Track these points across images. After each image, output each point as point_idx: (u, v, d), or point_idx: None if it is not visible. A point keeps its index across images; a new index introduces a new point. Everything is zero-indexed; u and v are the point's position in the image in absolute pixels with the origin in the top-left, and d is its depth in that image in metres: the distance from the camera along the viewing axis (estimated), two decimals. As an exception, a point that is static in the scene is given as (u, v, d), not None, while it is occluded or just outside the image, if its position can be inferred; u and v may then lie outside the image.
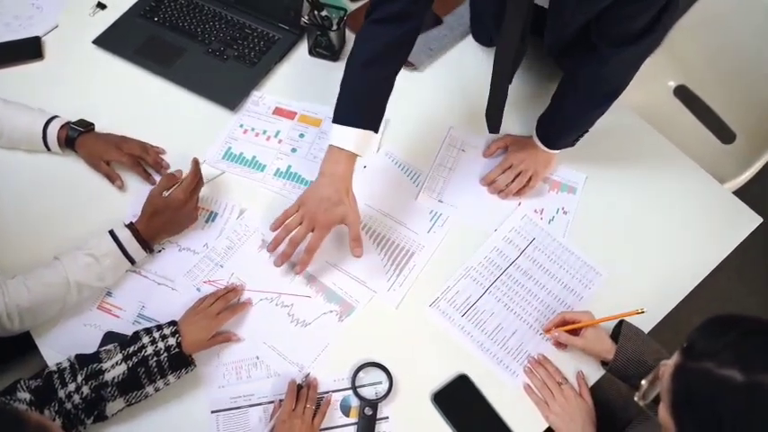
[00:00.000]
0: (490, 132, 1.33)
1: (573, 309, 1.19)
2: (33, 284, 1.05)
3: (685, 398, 0.68)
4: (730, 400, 0.63)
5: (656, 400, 0.75)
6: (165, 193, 1.15)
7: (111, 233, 1.12)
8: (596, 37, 1.10)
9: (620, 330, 1.09)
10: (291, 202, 1.27)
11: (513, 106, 1.40)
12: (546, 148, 1.29)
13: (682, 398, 0.68)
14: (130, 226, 1.14)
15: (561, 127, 1.28)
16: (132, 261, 1.14)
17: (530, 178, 1.30)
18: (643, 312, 1.07)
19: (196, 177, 1.17)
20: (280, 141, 1.36)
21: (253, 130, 1.37)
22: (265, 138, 1.36)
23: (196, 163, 1.17)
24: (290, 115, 1.40)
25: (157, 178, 1.28)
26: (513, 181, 1.30)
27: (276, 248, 1.16)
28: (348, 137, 1.11)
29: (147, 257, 1.17)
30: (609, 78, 1.15)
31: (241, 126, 1.38)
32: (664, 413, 0.70)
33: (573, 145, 1.30)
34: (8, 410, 0.69)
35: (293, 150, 1.35)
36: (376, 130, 1.14)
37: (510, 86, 1.24)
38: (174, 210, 1.15)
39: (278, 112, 1.40)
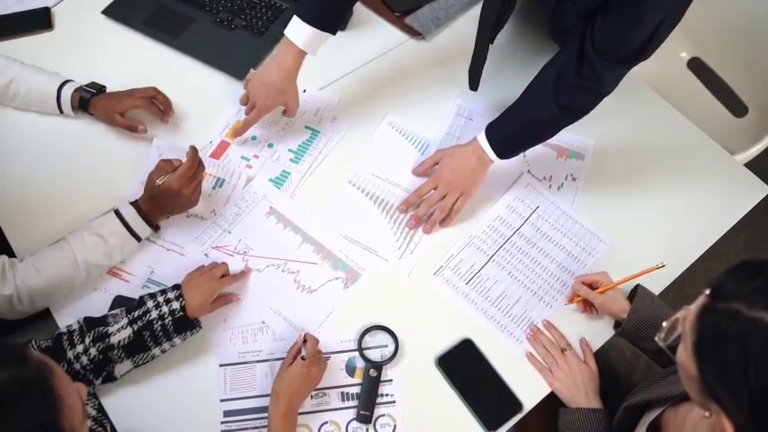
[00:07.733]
0: (470, 89, 1.32)
1: (575, 276, 1.19)
2: (42, 266, 1.06)
3: (711, 337, 0.67)
4: (758, 341, 0.63)
5: (672, 347, 0.76)
6: (159, 181, 1.11)
7: (117, 212, 1.12)
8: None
9: (636, 292, 1.11)
10: (299, 170, 1.29)
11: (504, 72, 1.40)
12: (493, 156, 1.19)
13: (707, 337, 0.68)
14: (134, 203, 1.13)
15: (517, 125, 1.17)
16: (138, 238, 1.14)
17: (456, 200, 1.21)
18: (664, 266, 1.08)
19: (192, 166, 1.11)
20: (287, 110, 1.36)
21: (260, 99, 1.38)
22: (273, 107, 1.37)
23: (194, 150, 1.13)
24: (298, 85, 1.40)
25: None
26: (439, 201, 1.21)
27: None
28: (302, 33, 1.14)
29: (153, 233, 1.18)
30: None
31: (249, 95, 1.38)
32: (684, 354, 0.70)
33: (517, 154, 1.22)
34: (12, 347, 0.73)
35: (300, 119, 1.36)
36: (333, 33, 1.16)
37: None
38: (168, 197, 1.12)
39: (285, 81, 1.40)
